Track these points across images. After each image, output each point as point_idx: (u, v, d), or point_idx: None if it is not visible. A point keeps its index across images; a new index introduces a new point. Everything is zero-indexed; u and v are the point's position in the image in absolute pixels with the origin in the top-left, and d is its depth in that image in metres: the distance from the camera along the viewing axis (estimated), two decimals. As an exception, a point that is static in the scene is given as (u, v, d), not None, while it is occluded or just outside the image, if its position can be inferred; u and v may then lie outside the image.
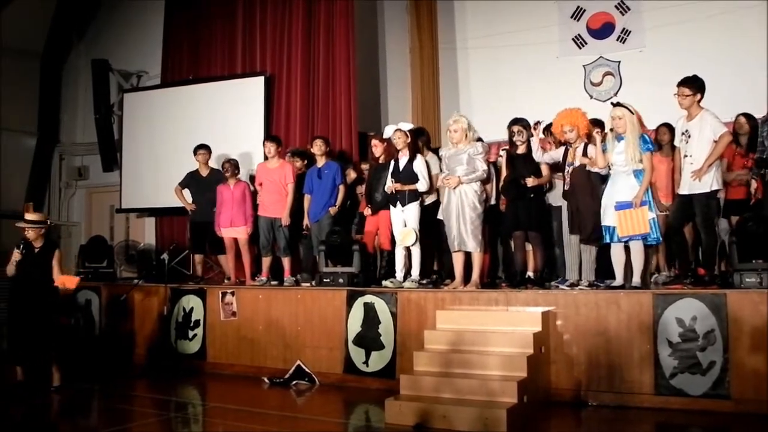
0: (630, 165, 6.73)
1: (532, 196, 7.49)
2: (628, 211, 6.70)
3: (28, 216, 7.79)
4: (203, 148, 10.00)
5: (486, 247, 7.75)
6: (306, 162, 9.49)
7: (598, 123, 7.89)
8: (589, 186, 7.14)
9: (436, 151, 8.56)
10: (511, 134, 7.64)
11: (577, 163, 7.24)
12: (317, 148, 9.00)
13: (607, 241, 6.89)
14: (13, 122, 13.12)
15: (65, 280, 7.84)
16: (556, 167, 7.67)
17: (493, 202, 7.92)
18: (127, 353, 9.38)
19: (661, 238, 6.87)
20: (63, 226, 13.98)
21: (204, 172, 9.98)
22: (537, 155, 7.47)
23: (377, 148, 8.58)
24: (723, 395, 6.03)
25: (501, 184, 7.72)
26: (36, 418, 6.91)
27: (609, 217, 6.82)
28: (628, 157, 6.73)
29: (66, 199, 14.21)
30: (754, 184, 6.96)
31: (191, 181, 10.00)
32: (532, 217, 7.49)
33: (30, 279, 7.52)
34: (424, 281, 8.09)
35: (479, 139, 7.80)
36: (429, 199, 8.20)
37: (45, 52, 13.63)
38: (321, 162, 8.98)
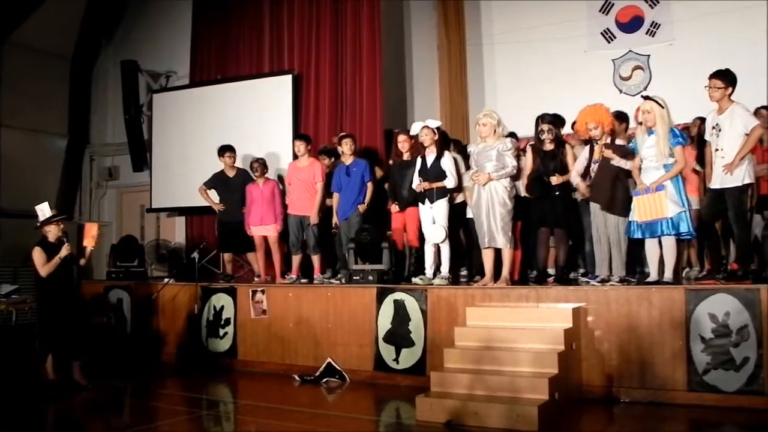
0: (661, 159, 6.68)
1: (557, 193, 7.44)
2: (645, 197, 6.69)
3: (46, 212, 7.76)
4: (230, 150, 10.04)
5: (517, 243, 7.72)
6: (333, 160, 9.50)
7: (621, 116, 7.86)
8: (613, 170, 7.11)
9: (461, 151, 8.56)
10: (539, 130, 7.58)
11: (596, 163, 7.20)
12: (347, 146, 8.99)
13: (633, 235, 6.86)
14: (44, 124, 13.29)
15: (90, 237, 8.04)
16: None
17: (523, 193, 7.84)
18: (158, 351, 9.47)
19: (694, 233, 6.80)
20: (94, 226, 14.14)
21: (230, 173, 10.02)
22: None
23: (405, 144, 8.56)
24: (757, 391, 5.96)
25: (525, 180, 7.65)
26: (68, 416, 7.01)
27: (634, 211, 6.80)
28: (659, 152, 6.67)
29: (97, 200, 14.37)
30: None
31: (217, 182, 10.04)
32: (558, 214, 7.45)
33: (60, 277, 7.61)
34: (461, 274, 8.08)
35: (511, 134, 7.77)
36: (458, 198, 8.20)
37: (75, 54, 13.78)
38: (349, 160, 9.00)
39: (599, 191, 7.14)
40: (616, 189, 7.05)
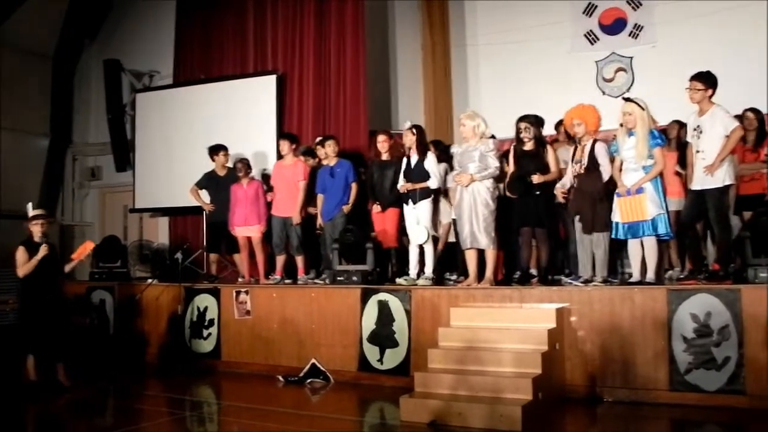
0: (640, 161, 6.74)
1: (538, 193, 7.45)
2: (626, 198, 6.76)
3: (36, 212, 7.78)
4: (224, 149, 10.01)
5: (499, 244, 7.74)
6: (318, 160, 9.48)
7: None
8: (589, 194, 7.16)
9: (443, 151, 8.57)
10: (518, 130, 7.61)
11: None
12: (330, 148, 8.98)
13: (614, 236, 6.92)
14: (25, 123, 13.19)
15: (81, 252, 7.93)
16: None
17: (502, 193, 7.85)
18: (141, 353, 9.41)
19: (672, 234, 6.87)
20: (77, 226, 14.05)
21: (222, 173, 9.96)
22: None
23: (384, 144, 8.56)
24: (738, 391, 6.02)
25: (507, 180, 7.68)
26: (51, 418, 6.96)
27: (617, 212, 6.85)
28: (638, 153, 6.73)
29: (79, 200, 14.27)
30: (771, 180, 6.93)
31: (209, 182, 9.99)
32: (540, 213, 7.46)
33: (42, 278, 7.58)
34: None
35: (492, 137, 7.80)
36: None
37: (57, 53, 13.69)
38: (333, 161, 8.99)
39: (580, 214, 7.21)
40: (595, 210, 7.09)
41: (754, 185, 7.51)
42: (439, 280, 8.18)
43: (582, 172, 7.16)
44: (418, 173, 8.02)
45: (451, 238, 8.49)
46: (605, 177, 7.08)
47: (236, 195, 9.40)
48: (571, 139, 7.60)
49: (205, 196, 10.06)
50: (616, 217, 6.86)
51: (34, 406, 7.23)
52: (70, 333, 7.92)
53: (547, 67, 10.76)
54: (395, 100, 11.59)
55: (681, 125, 7.88)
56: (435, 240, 8.22)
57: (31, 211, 7.69)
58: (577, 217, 7.27)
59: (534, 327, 6.47)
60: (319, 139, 9.47)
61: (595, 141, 7.22)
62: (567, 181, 7.37)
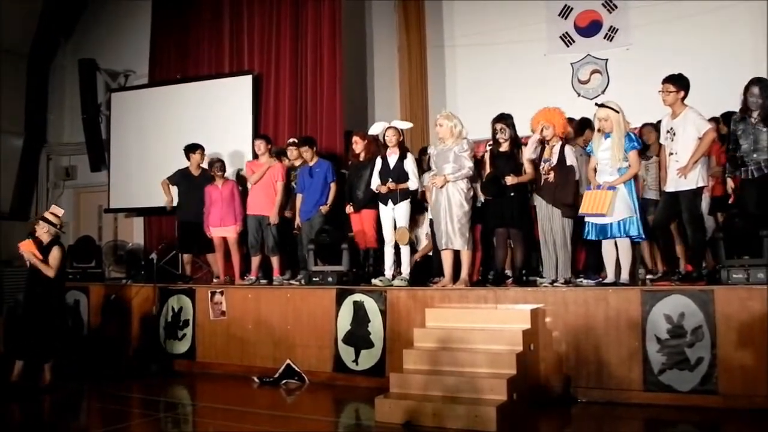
0: (615, 164, 6.77)
1: (512, 194, 7.45)
2: (593, 191, 6.81)
3: (46, 213, 7.95)
4: (200, 148, 9.93)
5: (476, 245, 7.75)
6: (292, 161, 9.43)
7: (588, 123, 7.92)
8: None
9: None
10: (494, 131, 7.61)
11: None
12: (293, 153, 9.03)
13: (587, 237, 6.95)
14: (-1, 122, 13.07)
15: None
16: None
17: (482, 199, 7.86)
18: (116, 353, 9.33)
19: (644, 236, 6.90)
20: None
21: (196, 172, 9.88)
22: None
23: (358, 145, 8.57)
24: (711, 391, 6.07)
25: (482, 181, 7.68)
26: (26, 419, 6.90)
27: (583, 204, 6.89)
28: (614, 156, 6.76)
29: (54, 200, 14.06)
30: (730, 183, 6.96)
31: (182, 179, 9.89)
32: (514, 214, 7.47)
33: (34, 276, 7.60)
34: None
35: (465, 138, 7.81)
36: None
37: (32, 51, 13.55)
38: (313, 161, 8.96)
39: (545, 192, 7.24)
40: (563, 188, 7.12)
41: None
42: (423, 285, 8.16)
43: (551, 170, 7.18)
44: (398, 174, 8.01)
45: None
46: (576, 176, 7.12)
47: (211, 196, 9.36)
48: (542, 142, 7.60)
49: (175, 192, 9.97)
50: (590, 216, 6.88)
51: (11, 406, 7.16)
52: (58, 331, 7.83)
53: (522, 68, 10.77)
54: (371, 100, 11.58)
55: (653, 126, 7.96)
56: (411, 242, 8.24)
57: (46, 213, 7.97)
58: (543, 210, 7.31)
59: (509, 328, 6.48)
60: (291, 140, 9.45)
61: (564, 143, 7.26)
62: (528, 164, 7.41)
